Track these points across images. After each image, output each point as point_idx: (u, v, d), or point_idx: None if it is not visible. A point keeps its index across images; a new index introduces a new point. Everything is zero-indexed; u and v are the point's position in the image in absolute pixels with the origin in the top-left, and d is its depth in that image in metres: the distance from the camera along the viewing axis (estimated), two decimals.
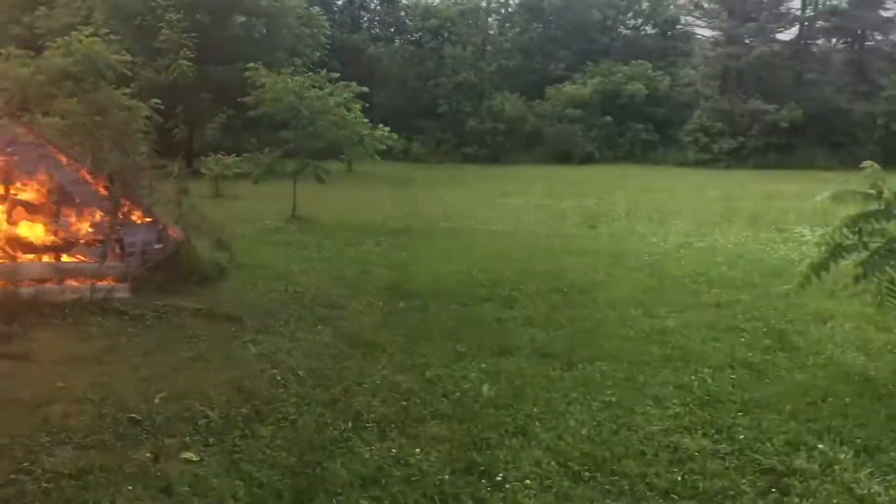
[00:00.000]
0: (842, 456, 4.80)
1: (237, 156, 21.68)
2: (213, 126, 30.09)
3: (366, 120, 17.60)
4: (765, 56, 43.01)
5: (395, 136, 19.34)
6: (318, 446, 4.88)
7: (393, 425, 5.27)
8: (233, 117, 29.10)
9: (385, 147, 18.30)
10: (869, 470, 4.61)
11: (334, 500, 4.21)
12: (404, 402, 5.71)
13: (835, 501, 4.23)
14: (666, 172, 36.14)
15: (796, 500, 4.26)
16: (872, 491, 4.34)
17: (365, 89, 17.75)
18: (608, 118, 44.04)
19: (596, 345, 7.26)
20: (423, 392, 5.95)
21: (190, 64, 27.81)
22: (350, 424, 5.26)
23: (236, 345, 7.11)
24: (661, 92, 45.52)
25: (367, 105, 18.61)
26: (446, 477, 4.48)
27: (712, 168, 39.66)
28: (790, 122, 40.77)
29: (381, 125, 18.19)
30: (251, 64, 17.91)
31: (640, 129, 44.35)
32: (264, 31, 33.14)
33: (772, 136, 41.41)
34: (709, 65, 46.17)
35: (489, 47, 48.07)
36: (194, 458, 4.64)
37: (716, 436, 5.15)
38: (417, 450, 4.85)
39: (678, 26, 52.38)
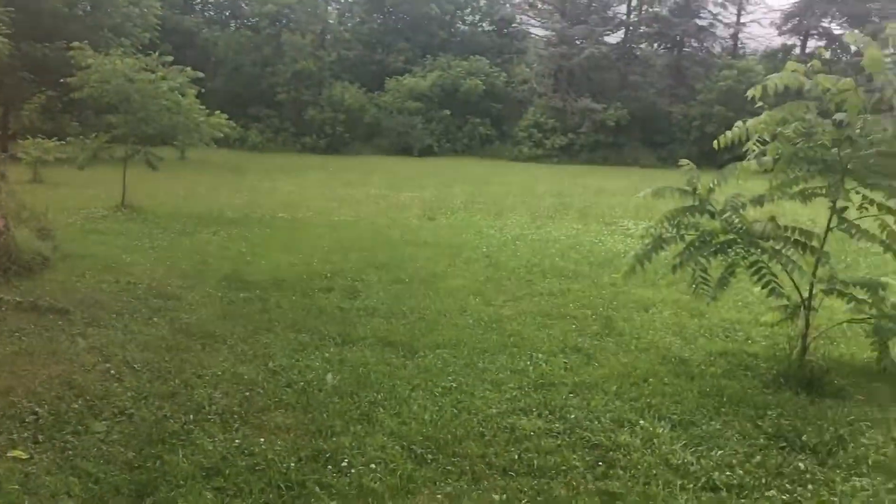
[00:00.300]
0: (660, 430, 5.22)
1: (59, 140, 20.32)
2: (31, 107, 28.00)
3: (202, 106, 16.98)
4: (594, 57, 45.23)
5: (232, 123, 18.74)
6: (157, 439, 4.75)
7: (236, 416, 5.22)
8: (53, 99, 27.25)
9: (222, 134, 17.73)
10: (683, 442, 5.05)
11: (176, 493, 4.14)
12: (247, 393, 5.66)
13: (654, 472, 4.60)
14: (502, 166, 37.27)
15: (620, 472, 4.61)
16: (686, 461, 4.76)
17: (200, 74, 17.10)
18: (447, 112, 44.85)
19: (437, 333, 7.45)
20: (267, 382, 5.91)
21: (5, 40, 25.67)
22: (191, 416, 5.16)
23: (64, 339, 6.74)
24: (498, 88, 46.88)
25: (202, 91, 17.95)
26: (292, 465, 4.50)
27: (545, 163, 41.32)
28: (617, 121, 43.18)
29: (217, 112, 17.60)
30: (76, 43, 16.82)
31: (477, 123, 45.50)
32: (88, 8, 31.18)
33: (600, 133, 43.67)
34: (542, 63, 47.95)
35: (329, 36, 47.62)
36: (23, 456, 4.41)
37: (549, 416, 5.45)
38: (262, 439, 4.83)
39: (514, 25, 54.07)
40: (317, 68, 43.92)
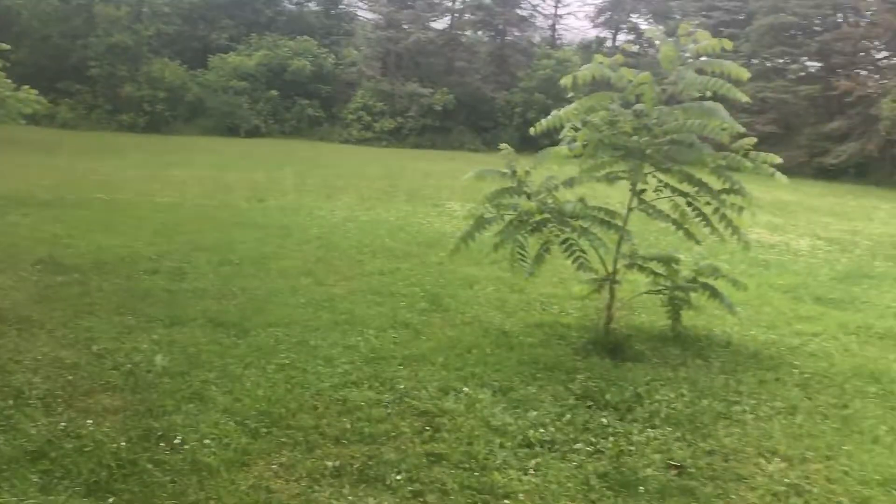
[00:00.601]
0: (482, 396, 5.61)
1: None
2: None
3: (8, 79, 15.84)
4: (421, 42, 45.91)
5: (42, 98, 17.58)
6: None
7: (60, 400, 5.10)
8: None
9: (31, 111, 16.62)
10: (503, 405, 5.46)
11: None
12: (70, 377, 5.52)
13: (476, 433, 4.97)
14: (332, 149, 37.16)
15: (446, 434, 4.94)
16: (505, 422, 5.17)
17: (6, 46, 15.93)
18: (274, 92, 44.02)
19: (269, 312, 7.52)
20: (91, 366, 5.79)
21: None
22: (10, 402, 4.99)
23: None
24: (327, 69, 46.51)
25: (7, 64, 16.73)
26: (122, 444, 4.49)
27: (375, 146, 41.61)
28: (444, 105, 44.07)
29: (25, 87, 16.46)
30: None
31: (306, 104, 44.97)
32: None
33: (428, 118, 44.43)
34: (370, 46, 48.05)
35: (145, 9, 45.26)
36: None
37: (380, 387, 5.71)
38: (89, 421, 4.77)
39: (341, 6, 53.75)
40: (133, 42, 41.66)
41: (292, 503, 4.02)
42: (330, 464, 4.45)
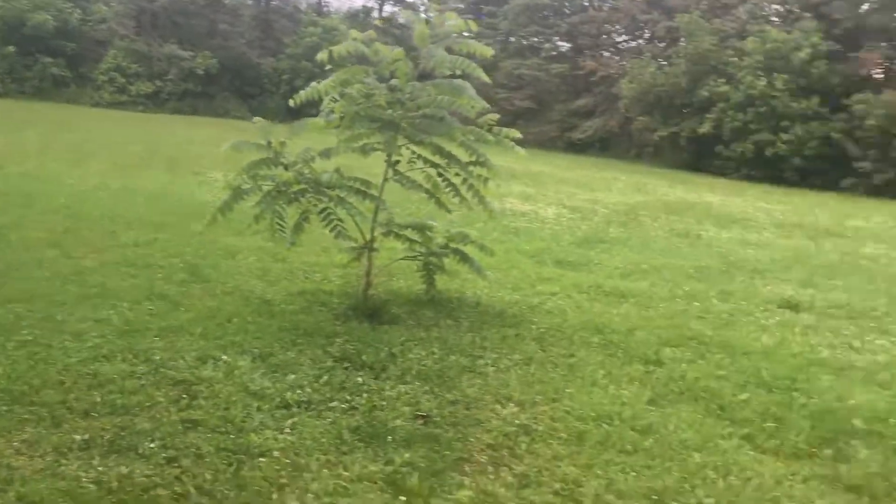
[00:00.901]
0: (241, 363, 5.68)
1: None
2: None
3: None
4: (179, 1, 43.68)
5: None
6: None
7: None
8: None
9: None
10: (262, 371, 5.58)
11: None
12: None
13: (234, 398, 5.06)
14: (81, 112, 34.55)
15: (203, 401, 4.99)
16: (264, 386, 5.29)
17: None
18: (11, 48, 40.00)
19: (8, 287, 7.04)
20: None
21: None
22: None
23: None
24: (72, 25, 42.90)
25: None
26: None
27: (130, 110, 39.21)
28: (206, 70, 42.36)
29: None
30: None
31: (49, 63, 41.29)
32: None
33: (189, 82, 42.55)
34: (122, 3, 44.95)
35: None
36: None
37: (134, 360, 5.59)
38: None
39: None
40: None
41: (36, 478, 3.91)
42: (78, 437, 4.35)
